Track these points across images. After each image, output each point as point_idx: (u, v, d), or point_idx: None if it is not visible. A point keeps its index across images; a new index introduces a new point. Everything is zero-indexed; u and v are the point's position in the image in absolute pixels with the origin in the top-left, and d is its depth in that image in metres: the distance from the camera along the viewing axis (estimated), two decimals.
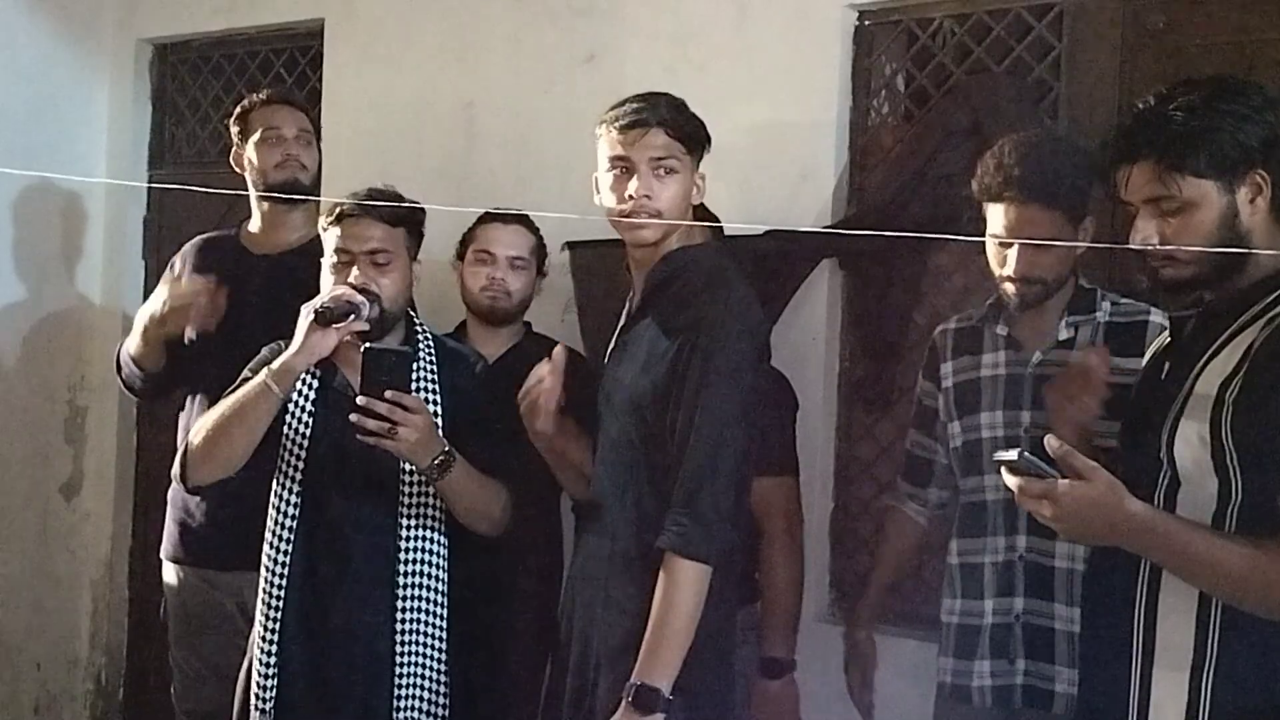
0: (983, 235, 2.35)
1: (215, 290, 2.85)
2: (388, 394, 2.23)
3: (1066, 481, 1.69)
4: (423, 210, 2.55)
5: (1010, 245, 2.21)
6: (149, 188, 4.17)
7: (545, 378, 2.27)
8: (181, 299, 2.83)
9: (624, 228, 2.19)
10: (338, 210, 2.46)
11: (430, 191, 3.22)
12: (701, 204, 2.31)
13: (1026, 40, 2.84)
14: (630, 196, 2.15)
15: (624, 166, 2.17)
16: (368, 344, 2.30)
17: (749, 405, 2.13)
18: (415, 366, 2.41)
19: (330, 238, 2.46)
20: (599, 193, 2.25)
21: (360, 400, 2.23)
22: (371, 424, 2.23)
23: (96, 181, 4.16)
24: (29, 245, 4.06)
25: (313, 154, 3.13)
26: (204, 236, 3.21)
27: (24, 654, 4.13)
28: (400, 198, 2.50)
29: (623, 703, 2.05)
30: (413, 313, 2.56)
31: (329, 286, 2.42)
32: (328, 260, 2.47)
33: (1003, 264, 2.25)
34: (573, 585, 2.30)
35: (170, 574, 3.07)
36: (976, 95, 2.83)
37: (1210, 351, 1.78)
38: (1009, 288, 2.25)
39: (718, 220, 2.57)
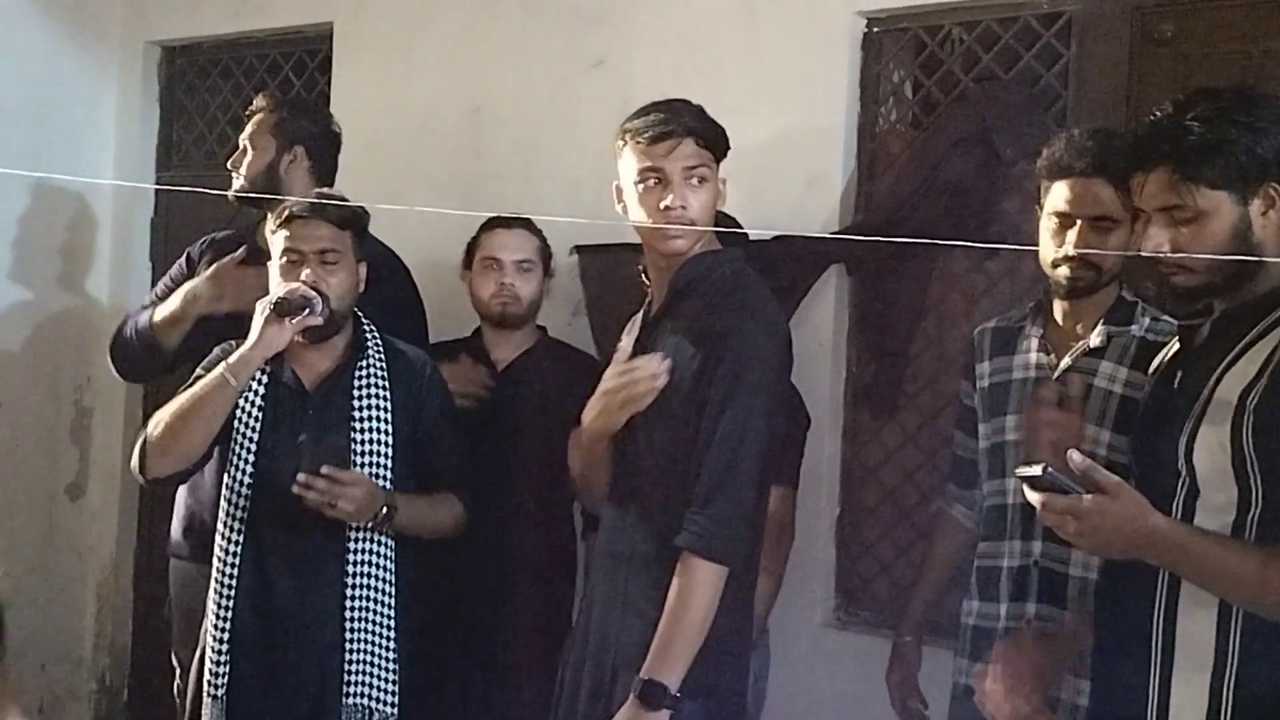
0: (987, 243, 2.35)
1: (257, 272, 2.80)
2: (324, 469, 2.37)
3: (1091, 497, 1.70)
4: (367, 213, 2.60)
5: (1071, 224, 2.19)
6: (156, 190, 4.18)
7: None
8: (220, 276, 2.86)
9: (657, 237, 2.18)
10: (286, 212, 2.51)
11: (437, 196, 3.24)
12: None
13: (1035, 48, 2.84)
14: (667, 207, 2.13)
15: (656, 177, 2.16)
16: (303, 437, 2.44)
17: (772, 411, 2.14)
18: (365, 366, 2.52)
19: (279, 239, 2.52)
20: (621, 202, 2.23)
21: (301, 478, 2.37)
22: (313, 496, 2.37)
23: (104, 183, 4.17)
24: (36, 246, 4.07)
25: (257, 156, 3.06)
26: (221, 235, 3.19)
27: (29, 654, 4.13)
28: (346, 200, 2.56)
29: (629, 697, 2.06)
30: (359, 312, 2.60)
31: (279, 285, 2.47)
32: (276, 261, 2.52)
33: (1060, 245, 2.21)
34: (591, 586, 2.30)
35: (176, 572, 3.07)
36: (985, 103, 2.84)
37: (1228, 359, 1.79)
38: (1062, 271, 2.22)
39: (738, 224, 2.58)
